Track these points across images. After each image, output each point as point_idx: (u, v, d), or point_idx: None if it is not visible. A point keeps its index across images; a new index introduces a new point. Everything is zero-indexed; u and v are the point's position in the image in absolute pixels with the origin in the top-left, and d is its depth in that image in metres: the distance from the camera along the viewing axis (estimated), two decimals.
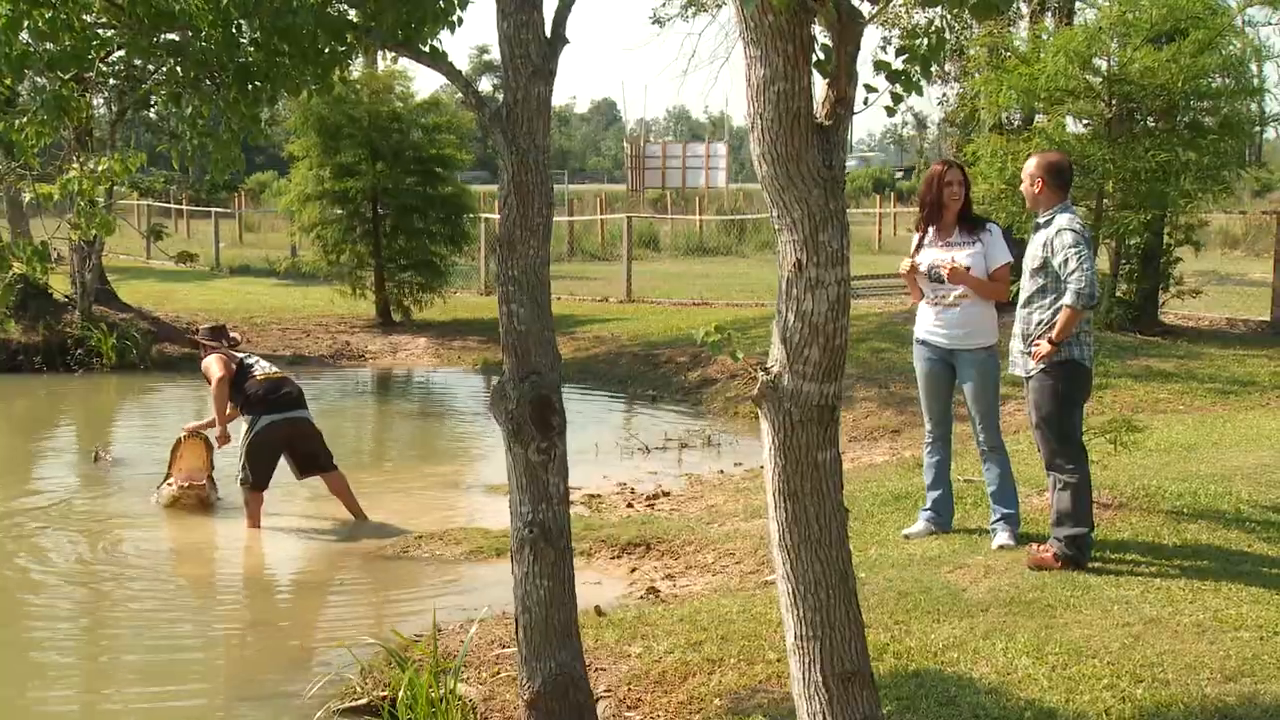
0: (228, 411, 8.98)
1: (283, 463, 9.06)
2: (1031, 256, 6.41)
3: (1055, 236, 6.27)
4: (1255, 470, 8.13)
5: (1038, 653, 5.21)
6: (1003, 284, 7.01)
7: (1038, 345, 6.30)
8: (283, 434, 8.83)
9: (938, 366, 7.11)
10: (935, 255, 6.98)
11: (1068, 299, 6.16)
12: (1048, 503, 6.90)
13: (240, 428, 9.01)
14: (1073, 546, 6.26)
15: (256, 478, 8.82)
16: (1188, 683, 4.86)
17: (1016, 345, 6.45)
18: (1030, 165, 6.53)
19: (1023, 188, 6.59)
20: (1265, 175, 37.10)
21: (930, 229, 7.05)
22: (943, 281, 6.95)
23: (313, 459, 9.04)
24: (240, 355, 9.09)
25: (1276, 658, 5.05)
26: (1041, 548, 6.38)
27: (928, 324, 7.09)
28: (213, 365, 8.96)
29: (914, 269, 7.02)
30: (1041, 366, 6.28)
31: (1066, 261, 6.18)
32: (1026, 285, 6.42)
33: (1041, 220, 6.44)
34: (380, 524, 9.15)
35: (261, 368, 8.99)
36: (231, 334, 9.51)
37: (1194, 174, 12.12)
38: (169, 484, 9.57)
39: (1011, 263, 7.06)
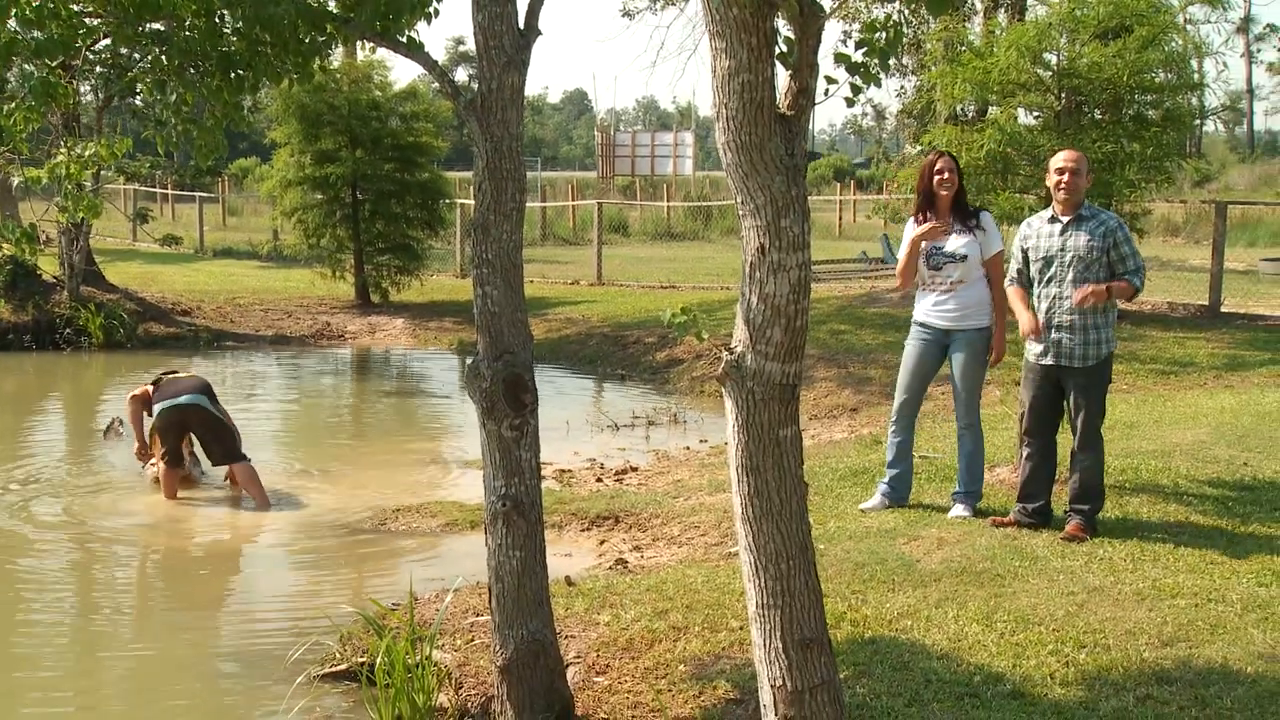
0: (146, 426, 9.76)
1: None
2: (1085, 248, 6.53)
3: (1119, 229, 6.56)
4: (1193, 447, 8.40)
5: (987, 620, 5.41)
6: (998, 270, 7.21)
7: (1094, 289, 6.48)
8: (175, 419, 9.25)
9: (931, 348, 7.31)
10: (930, 244, 7.20)
11: (1136, 281, 6.53)
12: (1000, 476, 7.13)
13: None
14: (1094, 517, 6.63)
15: (167, 455, 9.27)
16: (1127, 648, 5.07)
17: (1069, 339, 6.60)
18: (1075, 160, 6.61)
19: (1072, 181, 6.56)
20: (1204, 166, 37.69)
21: (926, 217, 7.23)
22: (940, 269, 7.17)
23: (208, 449, 9.46)
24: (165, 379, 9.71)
25: (1210, 623, 5.28)
26: (1073, 524, 6.60)
27: (927, 307, 7.30)
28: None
29: (916, 243, 7.17)
30: (1104, 356, 6.59)
31: (1135, 254, 6.54)
32: (1078, 278, 6.55)
33: (1085, 213, 6.61)
34: (358, 498, 9.27)
35: (169, 375, 9.69)
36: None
37: (1138, 164, 12.35)
38: (152, 465, 9.75)
39: (1003, 250, 7.30)
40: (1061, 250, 6.61)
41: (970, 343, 7.20)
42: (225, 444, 9.29)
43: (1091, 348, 6.59)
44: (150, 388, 9.64)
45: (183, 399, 9.26)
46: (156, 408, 9.34)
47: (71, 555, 8.22)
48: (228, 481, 9.55)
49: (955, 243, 7.16)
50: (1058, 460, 6.99)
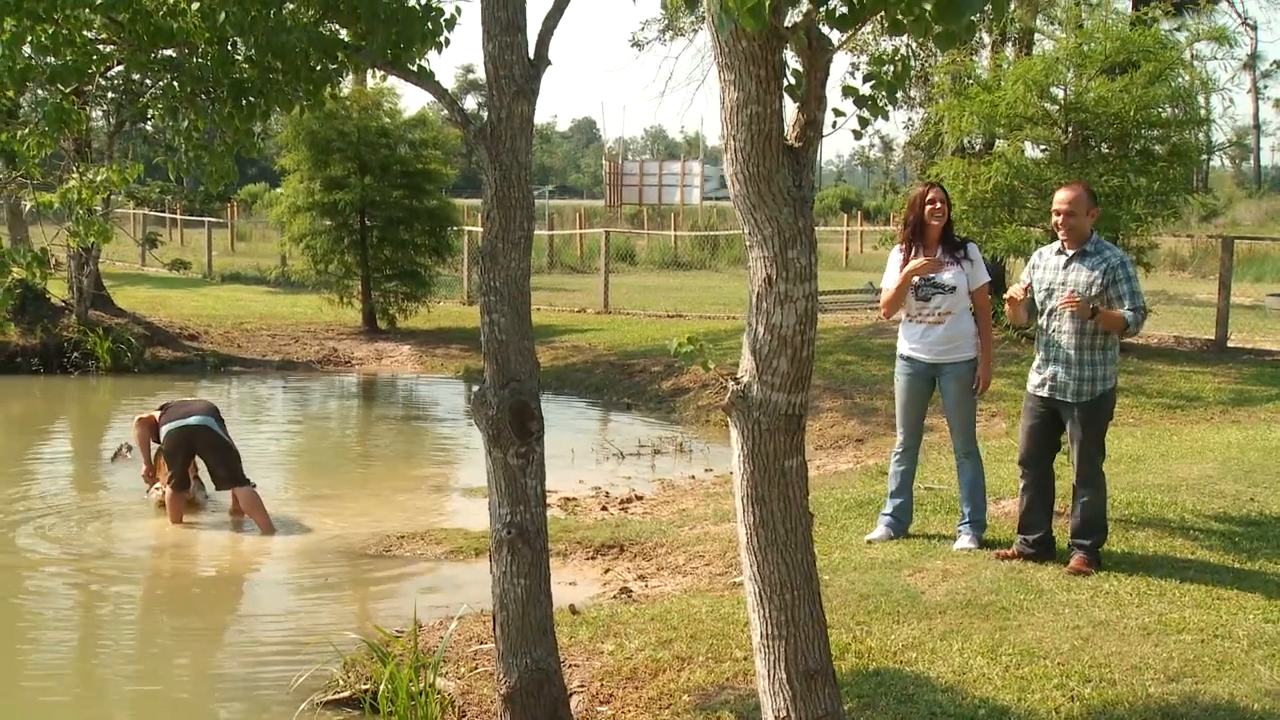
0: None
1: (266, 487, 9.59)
2: (1085, 283, 6.52)
3: (1120, 267, 6.51)
4: (1199, 481, 8.40)
5: (992, 653, 5.40)
6: (984, 301, 7.26)
7: (1075, 298, 6.48)
8: (182, 437, 9.31)
9: (919, 381, 7.36)
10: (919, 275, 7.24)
11: (1130, 317, 6.46)
12: (1007, 509, 7.11)
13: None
14: (1097, 550, 6.59)
15: (177, 479, 9.32)
16: (1133, 683, 5.05)
17: (1065, 374, 6.58)
18: (1070, 201, 6.57)
19: (1067, 221, 6.57)
20: (1211, 201, 37.86)
21: (914, 247, 7.28)
22: (928, 300, 7.20)
23: (213, 473, 9.47)
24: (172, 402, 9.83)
25: (1216, 659, 5.26)
26: (1077, 558, 6.58)
27: (913, 340, 7.33)
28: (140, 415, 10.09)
29: (910, 275, 7.17)
30: (1100, 393, 6.54)
31: (1135, 294, 6.48)
32: (1075, 313, 6.53)
33: (1089, 248, 6.59)
34: (364, 524, 9.29)
35: (176, 399, 9.84)
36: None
37: (1145, 199, 12.38)
38: (157, 489, 9.78)
39: (990, 281, 7.32)
40: (1062, 284, 6.61)
41: (959, 375, 7.25)
42: (231, 467, 9.32)
43: (1086, 384, 6.56)
44: (157, 413, 9.68)
45: (191, 420, 9.32)
46: (164, 429, 9.37)
47: (76, 580, 8.23)
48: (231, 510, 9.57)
49: (944, 274, 7.20)
50: (1057, 493, 6.97)
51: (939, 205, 7.23)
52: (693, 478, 10.85)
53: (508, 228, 4.63)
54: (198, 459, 9.58)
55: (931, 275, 7.18)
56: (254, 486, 9.29)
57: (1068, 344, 6.57)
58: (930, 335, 7.24)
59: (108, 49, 5.30)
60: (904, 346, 7.40)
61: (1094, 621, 5.75)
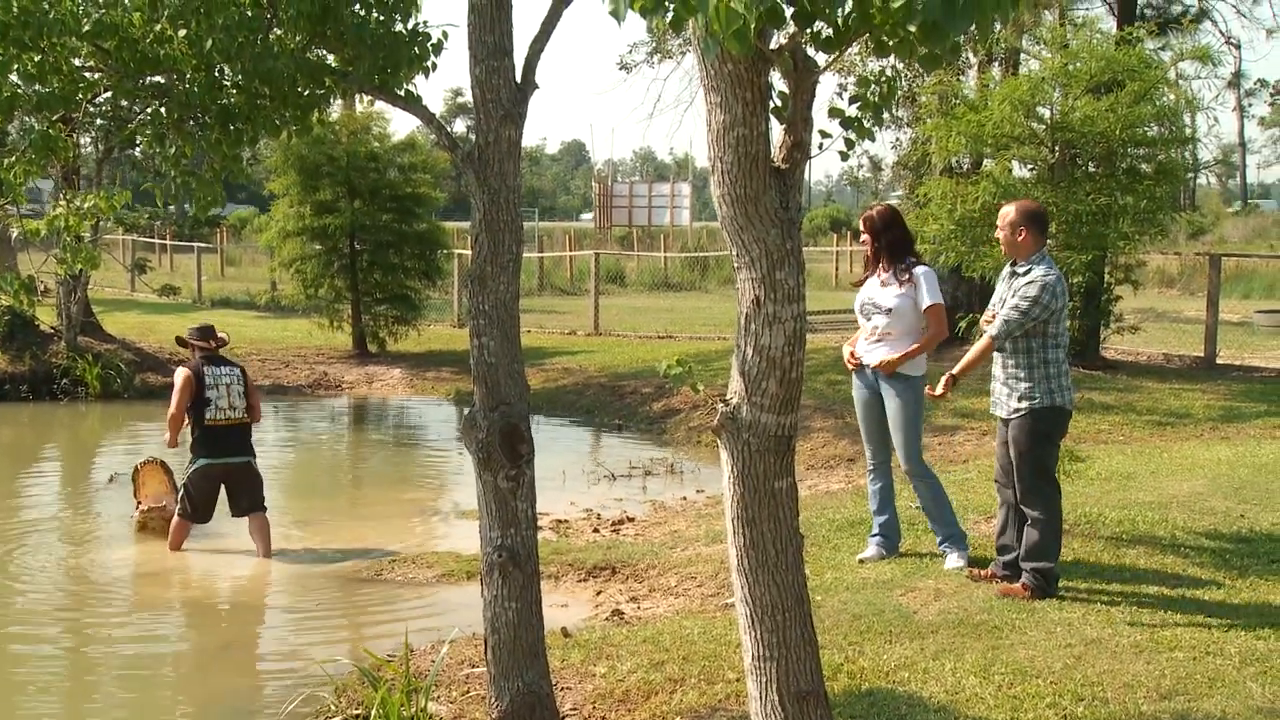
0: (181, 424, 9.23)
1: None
2: (997, 301, 6.56)
3: (1027, 284, 6.34)
4: (1190, 498, 8.42)
5: (984, 672, 5.39)
6: (938, 323, 7.27)
7: (889, 358, 6.87)
8: (220, 475, 9.13)
9: (869, 395, 7.46)
10: (866, 294, 7.48)
11: (991, 330, 6.44)
12: (993, 528, 7.12)
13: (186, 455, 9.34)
14: (1039, 578, 6.42)
15: (188, 508, 9.14)
16: (1125, 701, 5.05)
17: (997, 389, 6.57)
18: (1010, 213, 6.50)
19: (1001, 236, 6.55)
20: (1198, 219, 38.10)
21: (868, 274, 7.52)
22: (869, 319, 7.37)
23: (236, 502, 9.26)
24: (209, 380, 9.05)
25: (1208, 676, 5.27)
26: (1020, 583, 6.49)
27: (861, 350, 7.47)
28: (176, 383, 9.19)
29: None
30: (1024, 410, 6.38)
31: (1018, 305, 6.32)
32: None
33: (1020, 269, 6.48)
34: (355, 548, 9.28)
35: (215, 408, 9.04)
36: (220, 335, 9.55)
37: (1132, 217, 12.43)
38: (141, 509, 9.74)
39: (942, 304, 7.32)
40: (1000, 300, 6.61)
41: (898, 393, 7.27)
42: (254, 497, 9.24)
43: (1009, 398, 6.48)
44: (191, 380, 9.00)
45: (235, 460, 9.10)
46: (200, 462, 9.06)
47: (67, 605, 8.20)
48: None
49: (884, 294, 7.32)
50: None
51: (864, 236, 7.44)
52: (684, 499, 10.84)
53: (496, 251, 4.65)
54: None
55: (873, 295, 7.37)
56: (265, 512, 9.25)
57: (997, 358, 6.59)
58: (874, 351, 7.36)
59: (95, 76, 5.30)
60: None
61: (1086, 640, 5.75)
